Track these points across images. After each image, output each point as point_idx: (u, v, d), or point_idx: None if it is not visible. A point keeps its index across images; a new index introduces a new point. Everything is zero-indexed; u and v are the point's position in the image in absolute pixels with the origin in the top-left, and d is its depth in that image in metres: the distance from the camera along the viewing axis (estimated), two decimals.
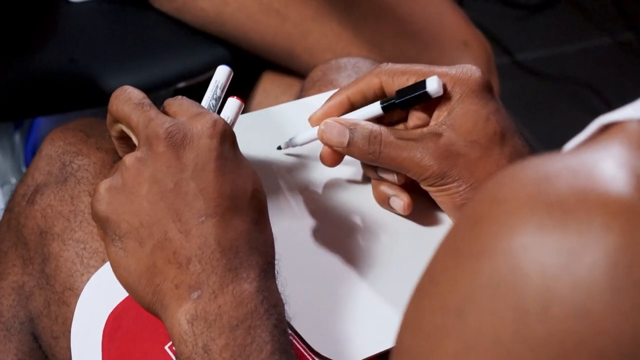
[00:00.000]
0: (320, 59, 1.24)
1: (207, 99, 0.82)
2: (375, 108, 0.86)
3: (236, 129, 0.79)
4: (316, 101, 0.93)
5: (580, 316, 0.48)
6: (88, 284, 0.86)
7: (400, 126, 0.89)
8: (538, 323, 0.48)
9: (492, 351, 0.49)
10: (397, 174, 0.87)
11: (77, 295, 0.86)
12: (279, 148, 0.91)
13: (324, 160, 0.88)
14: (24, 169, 1.54)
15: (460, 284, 0.51)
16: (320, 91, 1.03)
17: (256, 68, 1.37)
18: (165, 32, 1.35)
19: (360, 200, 0.90)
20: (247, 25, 1.30)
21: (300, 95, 1.08)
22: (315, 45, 1.30)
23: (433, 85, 0.83)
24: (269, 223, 0.77)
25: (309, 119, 0.90)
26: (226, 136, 0.76)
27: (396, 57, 1.32)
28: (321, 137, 0.86)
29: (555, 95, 2.28)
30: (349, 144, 0.85)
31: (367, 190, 0.90)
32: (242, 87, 1.37)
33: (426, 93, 0.84)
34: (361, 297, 0.84)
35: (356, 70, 1.05)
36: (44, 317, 0.89)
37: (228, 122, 0.81)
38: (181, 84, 1.35)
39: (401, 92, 0.85)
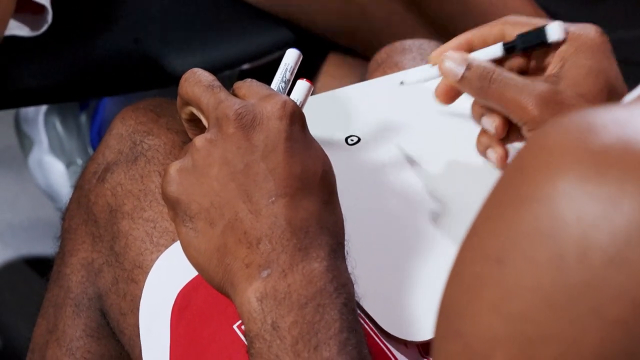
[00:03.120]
0: (385, 40, 1.23)
1: (277, 82, 0.83)
2: (497, 49, 0.88)
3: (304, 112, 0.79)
4: (380, 84, 0.93)
5: (618, 264, 0.47)
6: (157, 262, 0.87)
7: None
8: (576, 271, 0.48)
9: (531, 299, 0.49)
10: (496, 125, 0.87)
11: (146, 273, 0.87)
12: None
13: (438, 95, 0.88)
14: (89, 150, 1.56)
15: (500, 233, 0.51)
16: (384, 73, 1.03)
17: (321, 50, 1.37)
18: (229, 13, 1.35)
19: (428, 183, 0.90)
20: (311, 7, 1.30)
21: (365, 77, 1.08)
22: (380, 27, 1.30)
23: (554, 30, 0.85)
24: (339, 204, 0.77)
25: (429, 58, 0.90)
26: (296, 117, 0.77)
27: None
28: (440, 66, 0.87)
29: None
30: (461, 77, 0.86)
31: (434, 173, 0.90)
32: (307, 69, 1.37)
33: (546, 38, 0.86)
34: (429, 277, 0.84)
35: (421, 53, 1.05)
36: (112, 293, 0.90)
37: (297, 104, 0.82)
38: (245, 66, 1.35)
39: (523, 36, 0.87)
